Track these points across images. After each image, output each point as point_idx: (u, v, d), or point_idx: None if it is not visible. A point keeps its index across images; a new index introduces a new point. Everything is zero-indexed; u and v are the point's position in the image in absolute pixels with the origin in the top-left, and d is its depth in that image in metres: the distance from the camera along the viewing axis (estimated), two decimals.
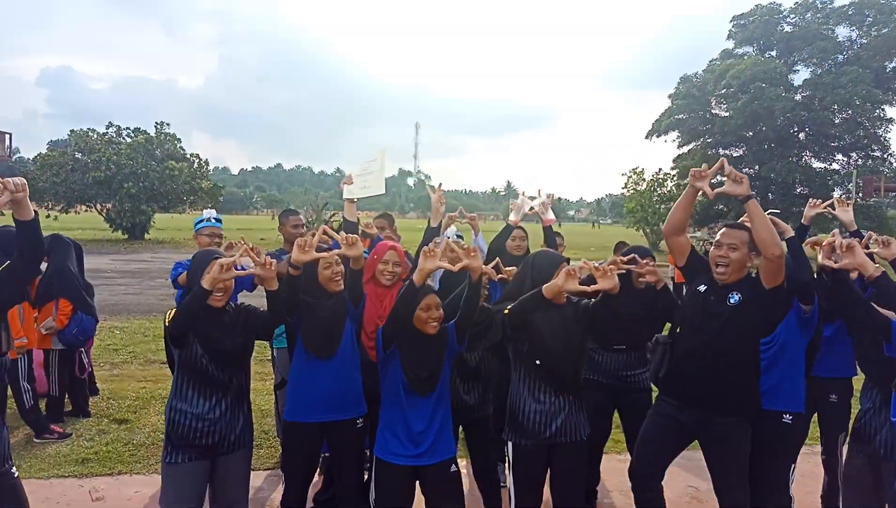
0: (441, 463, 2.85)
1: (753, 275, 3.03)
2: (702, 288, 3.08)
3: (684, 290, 3.36)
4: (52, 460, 4.38)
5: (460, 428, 3.55)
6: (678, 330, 3.19)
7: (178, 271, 3.69)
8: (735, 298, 2.94)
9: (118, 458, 4.46)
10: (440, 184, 3.86)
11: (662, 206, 36.58)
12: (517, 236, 4.43)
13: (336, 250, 2.97)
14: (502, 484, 3.74)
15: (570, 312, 3.00)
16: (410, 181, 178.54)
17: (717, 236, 3.09)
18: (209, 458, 2.76)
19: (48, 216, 30.93)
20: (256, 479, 4.19)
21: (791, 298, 3.08)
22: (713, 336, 2.96)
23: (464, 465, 3.87)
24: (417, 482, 2.88)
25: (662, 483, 3.19)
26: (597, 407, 3.48)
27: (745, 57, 37.48)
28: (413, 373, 2.81)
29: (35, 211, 2.42)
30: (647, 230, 36.69)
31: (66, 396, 5.25)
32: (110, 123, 35.54)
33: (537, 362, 2.91)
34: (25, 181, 2.37)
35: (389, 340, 2.82)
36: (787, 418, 3.17)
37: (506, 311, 2.93)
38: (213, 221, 4.13)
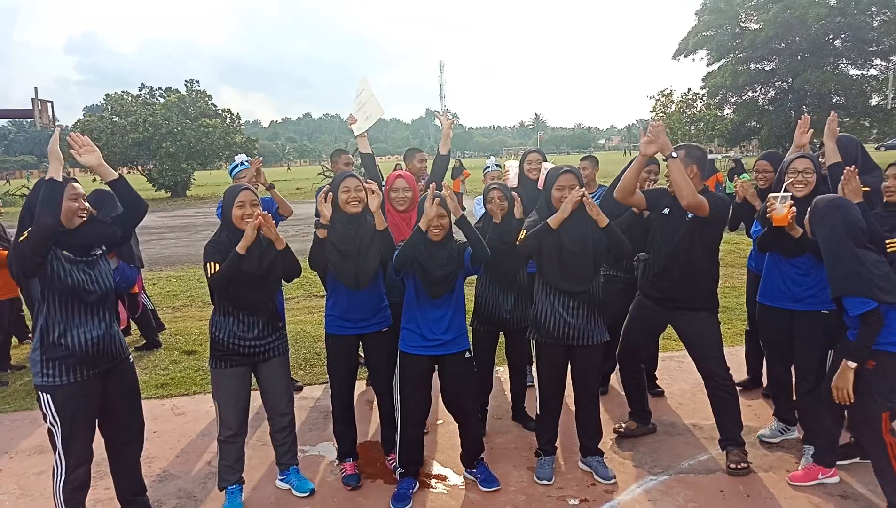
0: (456, 353, 3.38)
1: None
2: (666, 211, 3.62)
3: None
4: None
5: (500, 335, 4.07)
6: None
7: (220, 210, 4.34)
8: (690, 214, 3.46)
9: (191, 381, 5.33)
10: (446, 110, 4.37)
11: (693, 127, 36.00)
12: (532, 158, 4.69)
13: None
14: (529, 383, 4.39)
15: (582, 224, 3.34)
16: (438, 121, 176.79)
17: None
18: (248, 366, 3.29)
19: (94, 180, 32.29)
20: (315, 391, 5.02)
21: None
22: (676, 247, 3.54)
23: (503, 371, 4.55)
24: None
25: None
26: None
27: None
28: (427, 278, 3.25)
29: (119, 174, 2.96)
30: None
31: (139, 332, 6.24)
32: (143, 84, 36.43)
33: (546, 274, 3.41)
34: (90, 141, 2.92)
35: (398, 270, 3.29)
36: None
37: (518, 240, 3.44)
38: (246, 163, 4.56)
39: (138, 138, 31.97)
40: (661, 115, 37.60)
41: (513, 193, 3.91)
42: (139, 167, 33.85)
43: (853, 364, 2.92)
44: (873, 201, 3.58)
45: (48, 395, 2.80)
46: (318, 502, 3.39)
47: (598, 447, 3.62)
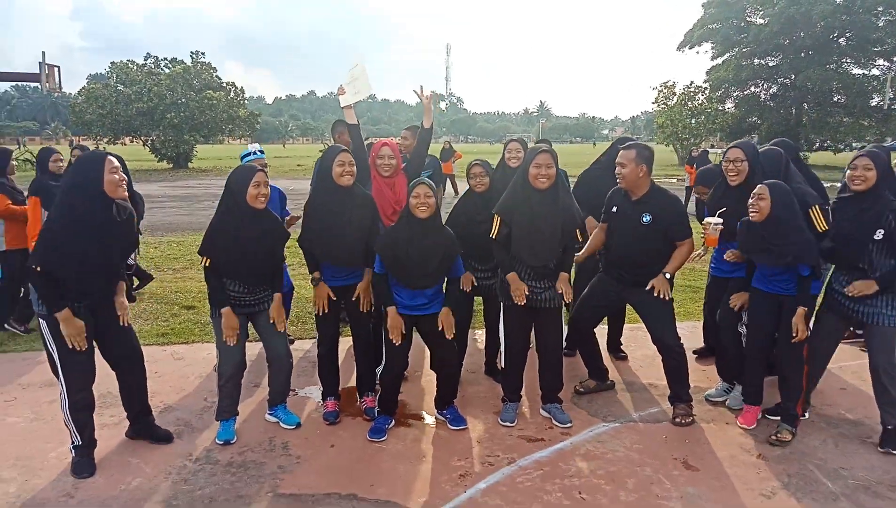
0: (432, 314, 3.71)
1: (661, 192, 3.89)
2: (614, 209, 3.95)
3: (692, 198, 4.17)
4: (139, 335, 5.64)
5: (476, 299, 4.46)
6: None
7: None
8: (647, 218, 3.80)
9: (190, 332, 5.70)
10: (422, 87, 4.54)
11: (693, 120, 36.20)
12: (512, 148, 4.82)
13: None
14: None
15: (553, 203, 3.68)
16: (443, 105, 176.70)
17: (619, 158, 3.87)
18: (244, 315, 3.58)
19: (97, 148, 32.48)
20: (305, 345, 5.39)
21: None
22: (628, 239, 3.88)
23: (480, 333, 4.92)
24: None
25: None
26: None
27: None
28: (408, 277, 3.59)
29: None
30: (678, 146, 36.51)
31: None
32: (148, 53, 36.78)
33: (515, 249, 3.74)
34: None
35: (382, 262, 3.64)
36: None
37: (493, 234, 3.77)
38: (258, 153, 4.88)
39: (142, 108, 32.16)
40: (663, 106, 37.79)
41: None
42: (142, 137, 34.05)
43: (804, 309, 3.58)
44: None
45: (44, 322, 3.16)
46: (302, 433, 3.77)
47: (559, 396, 4.00)
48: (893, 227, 3.37)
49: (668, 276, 3.79)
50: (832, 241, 3.61)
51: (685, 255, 3.83)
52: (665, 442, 3.70)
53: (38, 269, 3.02)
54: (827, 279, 3.84)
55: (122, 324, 3.39)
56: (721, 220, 3.88)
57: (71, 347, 3.14)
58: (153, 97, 32.40)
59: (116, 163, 3.18)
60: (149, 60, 36.67)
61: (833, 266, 3.79)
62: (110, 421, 3.83)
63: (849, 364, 4.87)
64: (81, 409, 3.27)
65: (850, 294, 3.50)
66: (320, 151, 5.54)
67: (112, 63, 35.06)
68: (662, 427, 3.88)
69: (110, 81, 34.82)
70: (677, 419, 3.90)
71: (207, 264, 3.47)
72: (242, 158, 4.82)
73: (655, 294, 3.77)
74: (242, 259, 3.46)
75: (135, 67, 34.77)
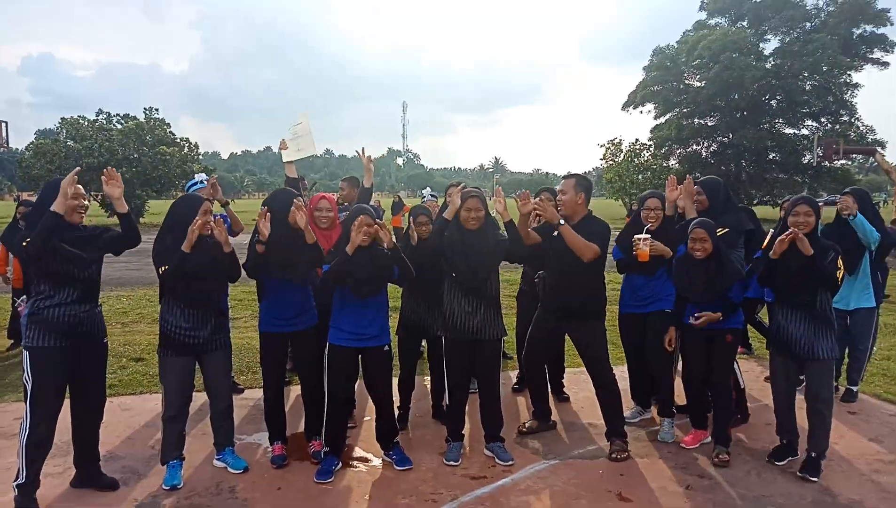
0: (377, 347, 3.87)
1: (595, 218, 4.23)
2: (556, 233, 4.21)
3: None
4: None
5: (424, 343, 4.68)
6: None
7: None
8: None
9: (138, 384, 5.67)
10: (363, 149, 4.79)
11: (640, 176, 37.75)
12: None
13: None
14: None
15: (483, 239, 3.95)
16: (399, 161, 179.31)
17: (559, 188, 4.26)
18: (192, 356, 3.69)
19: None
20: (256, 393, 5.39)
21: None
22: (564, 268, 4.15)
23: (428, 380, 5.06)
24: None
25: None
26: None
27: (717, 27, 38.43)
28: (354, 279, 3.71)
29: (128, 209, 3.55)
30: (626, 200, 37.90)
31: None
32: (100, 109, 36.59)
33: (453, 274, 3.99)
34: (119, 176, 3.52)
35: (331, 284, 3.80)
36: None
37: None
38: (203, 182, 4.85)
39: (93, 163, 31.76)
40: (611, 162, 39.36)
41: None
42: (92, 193, 33.51)
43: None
44: (730, 240, 4.22)
45: (27, 352, 3.32)
46: (250, 478, 3.82)
47: (501, 434, 4.16)
48: (832, 259, 3.71)
49: (561, 222, 4.00)
50: (778, 278, 3.84)
51: (585, 246, 3.98)
52: (601, 477, 3.88)
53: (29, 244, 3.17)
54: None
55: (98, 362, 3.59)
56: (649, 236, 4.20)
57: (42, 373, 3.29)
58: (104, 153, 32.12)
59: (80, 190, 3.42)
60: (101, 116, 36.44)
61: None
62: (54, 471, 3.81)
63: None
64: (38, 444, 3.35)
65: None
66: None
67: (62, 119, 34.73)
68: (599, 463, 4.07)
69: (60, 136, 34.42)
70: (613, 455, 4.10)
71: (163, 271, 3.57)
72: (188, 188, 4.88)
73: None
74: (188, 284, 3.60)
75: (86, 123, 34.50)
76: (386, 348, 3.96)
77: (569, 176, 4.26)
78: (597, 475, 3.91)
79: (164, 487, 3.63)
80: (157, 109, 36.87)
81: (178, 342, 3.68)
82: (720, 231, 4.07)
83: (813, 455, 3.87)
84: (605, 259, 4.26)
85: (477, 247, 3.95)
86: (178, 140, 36.18)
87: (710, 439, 4.30)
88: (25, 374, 3.32)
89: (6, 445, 4.19)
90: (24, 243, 3.18)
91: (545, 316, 4.37)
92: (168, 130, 36.30)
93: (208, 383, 3.88)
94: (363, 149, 4.74)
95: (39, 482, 3.41)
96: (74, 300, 3.41)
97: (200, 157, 38.52)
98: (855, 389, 5.25)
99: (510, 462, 4.01)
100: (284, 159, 4.69)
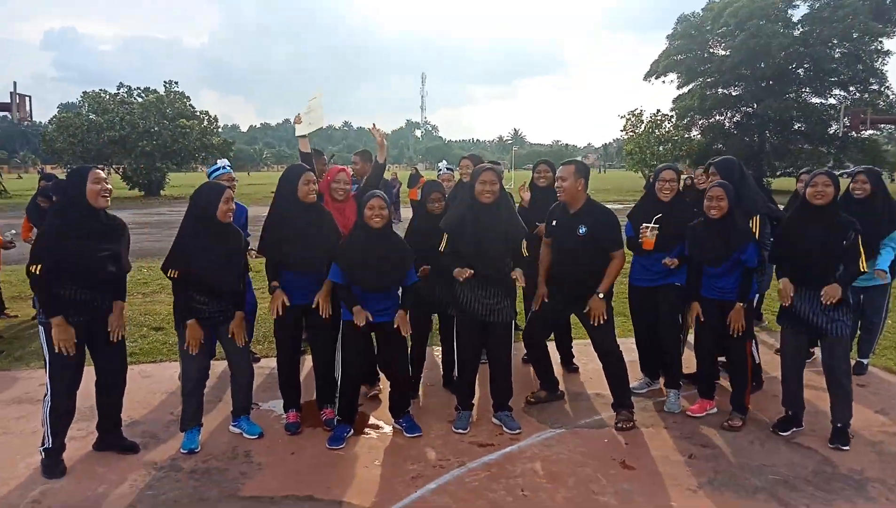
0: (389, 321, 3.94)
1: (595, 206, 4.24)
2: (554, 223, 4.29)
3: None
4: None
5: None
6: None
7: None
8: (582, 229, 4.13)
9: (158, 352, 5.85)
10: (374, 124, 4.76)
11: (661, 147, 37.23)
12: (464, 164, 5.56)
13: None
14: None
15: (497, 216, 3.97)
16: (418, 133, 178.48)
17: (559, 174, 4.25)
18: (208, 327, 3.77)
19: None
20: (272, 362, 5.55)
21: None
22: (568, 250, 4.20)
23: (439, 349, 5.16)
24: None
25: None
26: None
27: None
28: (367, 281, 3.81)
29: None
30: (646, 171, 37.44)
31: None
32: (121, 83, 36.74)
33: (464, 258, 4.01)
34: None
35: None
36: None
37: (441, 247, 4.09)
38: (227, 168, 5.00)
39: (114, 137, 32.15)
40: (631, 133, 38.83)
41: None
42: (113, 165, 33.95)
43: (742, 305, 4.08)
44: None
45: (42, 327, 3.43)
46: (265, 443, 3.96)
47: (509, 404, 4.24)
48: (853, 240, 3.72)
49: (601, 296, 4.09)
50: (793, 253, 3.89)
51: (617, 269, 4.14)
52: (606, 445, 3.96)
53: (37, 272, 3.31)
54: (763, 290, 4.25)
55: (112, 339, 3.65)
56: (658, 225, 4.24)
57: (57, 351, 3.36)
58: (125, 126, 32.43)
59: (102, 174, 3.48)
60: (121, 90, 36.76)
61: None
62: (78, 434, 3.97)
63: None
64: (62, 414, 3.50)
65: (826, 302, 3.74)
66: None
67: (84, 92, 35.10)
68: (604, 432, 4.15)
69: (82, 110, 34.77)
70: (619, 425, 4.17)
71: (175, 276, 3.69)
72: (210, 173, 4.94)
73: (591, 320, 4.12)
74: (209, 271, 3.69)
75: (107, 97, 34.82)
76: (396, 324, 4.03)
77: (567, 162, 4.26)
78: (602, 444, 3.99)
79: (182, 451, 3.78)
80: (176, 83, 37.14)
81: (192, 315, 3.76)
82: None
83: (839, 425, 3.94)
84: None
85: (490, 226, 3.96)
86: (198, 113, 36.38)
87: (716, 409, 4.36)
88: (44, 349, 3.45)
89: (33, 410, 4.36)
90: (32, 268, 3.33)
91: (551, 296, 4.40)
92: (188, 103, 36.52)
93: (229, 355, 3.99)
94: (374, 124, 4.76)
95: (65, 446, 3.59)
96: (89, 287, 3.50)
97: (220, 130, 38.70)
98: (865, 362, 5.25)
99: (518, 431, 4.09)
100: (297, 133, 4.73)
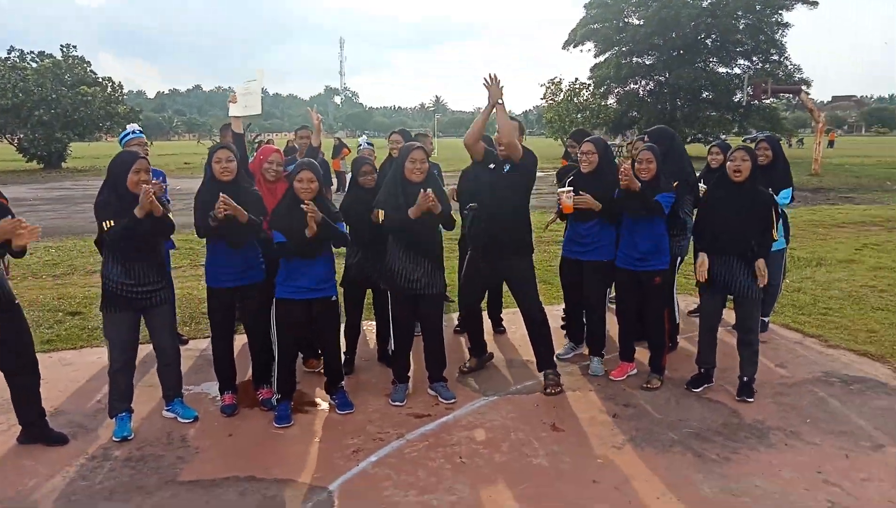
0: (324, 298, 3.99)
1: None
2: (492, 166, 4.38)
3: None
4: None
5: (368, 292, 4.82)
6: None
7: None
8: (506, 167, 4.29)
9: (77, 338, 5.62)
10: (314, 108, 4.87)
11: (579, 115, 38.12)
12: (394, 139, 5.42)
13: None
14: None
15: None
16: (338, 99, 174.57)
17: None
18: (136, 311, 3.72)
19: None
20: (200, 344, 5.43)
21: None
22: (498, 196, 4.29)
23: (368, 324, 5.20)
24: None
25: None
26: None
27: None
28: (295, 240, 3.80)
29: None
30: (565, 139, 38.22)
31: None
32: (12, 46, 33.87)
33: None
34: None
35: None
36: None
37: (380, 220, 4.07)
38: (138, 132, 4.84)
39: (6, 105, 29.75)
40: (551, 101, 39.52)
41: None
42: (7, 136, 31.53)
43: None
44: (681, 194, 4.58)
45: None
46: (201, 427, 3.93)
47: (443, 375, 4.38)
48: (769, 213, 4.07)
49: (500, 102, 4.20)
50: (710, 228, 4.20)
51: (509, 126, 4.21)
52: (536, 410, 4.18)
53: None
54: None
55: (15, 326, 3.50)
56: (571, 188, 4.46)
57: None
58: (19, 93, 30.03)
59: (145, 164, 3.60)
60: (12, 54, 33.95)
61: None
62: (1, 428, 3.82)
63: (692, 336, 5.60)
64: None
65: (762, 284, 4.11)
66: (208, 147, 5.52)
67: None
68: (535, 397, 4.37)
69: None
70: (548, 390, 4.39)
71: (110, 226, 3.54)
72: (121, 139, 4.82)
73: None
74: (128, 243, 3.60)
75: None
76: (333, 298, 4.08)
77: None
78: (533, 408, 4.20)
79: (115, 439, 3.71)
80: (75, 47, 34.61)
81: (122, 298, 3.68)
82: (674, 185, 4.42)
83: (745, 379, 4.30)
84: (529, 192, 4.46)
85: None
86: (101, 80, 34.15)
87: (635, 370, 4.67)
88: None
89: None
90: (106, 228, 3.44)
91: (475, 258, 4.54)
92: (88, 69, 34.18)
93: (154, 337, 3.91)
94: (314, 108, 4.75)
95: None
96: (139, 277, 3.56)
97: (125, 97, 36.50)
98: (766, 320, 5.71)
99: (453, 401, 4.25)
100: (231, 113, 4.61)
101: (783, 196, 5.09)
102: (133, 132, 4.85)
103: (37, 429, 3.67)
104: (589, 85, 40.02)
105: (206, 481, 3.32)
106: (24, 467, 3.44)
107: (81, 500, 3.14)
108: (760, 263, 4.08)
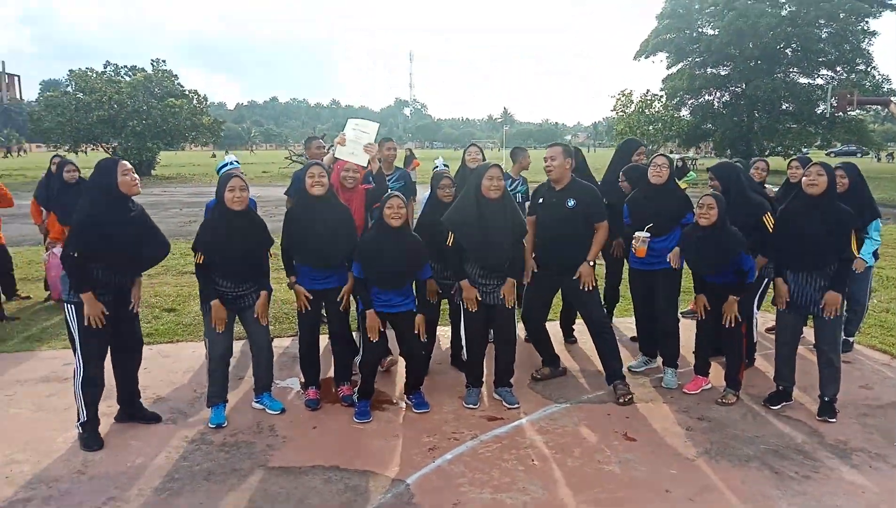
0: (405, 312, 4.21)
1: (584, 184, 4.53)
2: (540, 200, 4.57)
3: None
4: None
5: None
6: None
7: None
8: (571, 202, 4.40)
9: (174, 332, 6.03)
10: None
11: (651, 126, 37.42)
12: (472, 151, 5.68)
13: None
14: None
15: (502, 211, 4.18)
16: (407, 111, 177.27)
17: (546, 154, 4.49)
18: (232, 310, 4.01)
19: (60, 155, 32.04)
20: (283, 342, 5.76)
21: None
22: (556, 227, 4.45)
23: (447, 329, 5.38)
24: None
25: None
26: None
27: None
28: (379, 273, 4.07)
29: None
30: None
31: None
32: (108, 61, 36.21)
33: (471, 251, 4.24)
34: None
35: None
36: None
37: (449, 242, 4.26)
38: (235, 163, 5.16)
39: (103, 116, 31.86)
40: (621, 113, 38.98)
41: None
42: (103, 145, 33.67)
43: (735, 298, 4.33)
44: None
45: (71, 306, 3.67)
46: (286, 418, 4.18)
47: (510, 381, 4.49)
48: (847, 229, 4.00)
49: (591, 263, 4.41)
50: (786, 243, 4.14)
51: (603, 237, 4.49)
52: (608, 419, 4.22)
53: (76, 255, 3.54)
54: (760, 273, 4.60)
55: (133, 310, 3.92)
56: (649, 234, 4.54)
57: (87, 325, 3.60)
58: (114, 105, 32.12)
59: (129, 166, 3.73)
60: (108, 68, 36.37)
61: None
62: (107, 411, 4.17)
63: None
64: (93, 385, 3.73)
65: (828, 316, 4.04)
66: (285, 157, 5.77)
67: (71, 71, 34.67)
68: (607, 407, 4.41)
69: (68, 88, 34.35)
70: (620, 400, 4.43)
71: (200, 261, 3.93)
72: (219, 169, 5.12)
73: (582, 286, 4.42)
74: (225, 256, 3.93)
75: (94, 75, 34.41)
76: (414, 311, 4.27)
77: (554, 144, 4.58)
78: (605, 417, 4.24)
79: (210, 425, 4.00)
80: (164, 61, 36.67)
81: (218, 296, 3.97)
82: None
83: (826, 399, 4.21)
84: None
85: (494, 222, 4.15)
86: (187, 92, 36.05)
87: (710, 385, 4.64)
88: (71, 327, 3.68)
89: (62, 388, 4.56)
90: (72, 253, 3.58)
91: (539, 274, 4.65)
92: (176, 81, 36.17)
93: (249, 333, 4.20)
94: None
95: (99, 419, 3.81)
96: (118, 268, 3.75)
97: (208, 108, 38.39)
98: (851, 339, 5.53)
99: (516, 406, 4.34)
100: (336, 155, 4.69)
101: (873, 228, 5.06)
102: (230, 163, 5.11)
103: (132, 408, 4.04)
104: (661, 96, 39.25)
105: (294, 468, 3.54)
106: (130, 446, 3.77)
107: (184, 478, 3.42)
108: (830, 297, 4.00)
